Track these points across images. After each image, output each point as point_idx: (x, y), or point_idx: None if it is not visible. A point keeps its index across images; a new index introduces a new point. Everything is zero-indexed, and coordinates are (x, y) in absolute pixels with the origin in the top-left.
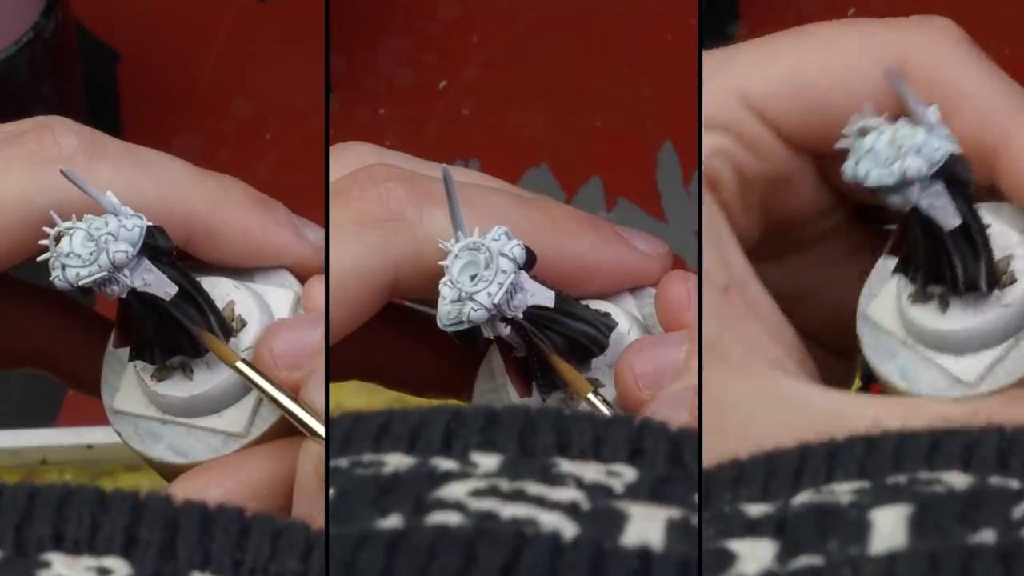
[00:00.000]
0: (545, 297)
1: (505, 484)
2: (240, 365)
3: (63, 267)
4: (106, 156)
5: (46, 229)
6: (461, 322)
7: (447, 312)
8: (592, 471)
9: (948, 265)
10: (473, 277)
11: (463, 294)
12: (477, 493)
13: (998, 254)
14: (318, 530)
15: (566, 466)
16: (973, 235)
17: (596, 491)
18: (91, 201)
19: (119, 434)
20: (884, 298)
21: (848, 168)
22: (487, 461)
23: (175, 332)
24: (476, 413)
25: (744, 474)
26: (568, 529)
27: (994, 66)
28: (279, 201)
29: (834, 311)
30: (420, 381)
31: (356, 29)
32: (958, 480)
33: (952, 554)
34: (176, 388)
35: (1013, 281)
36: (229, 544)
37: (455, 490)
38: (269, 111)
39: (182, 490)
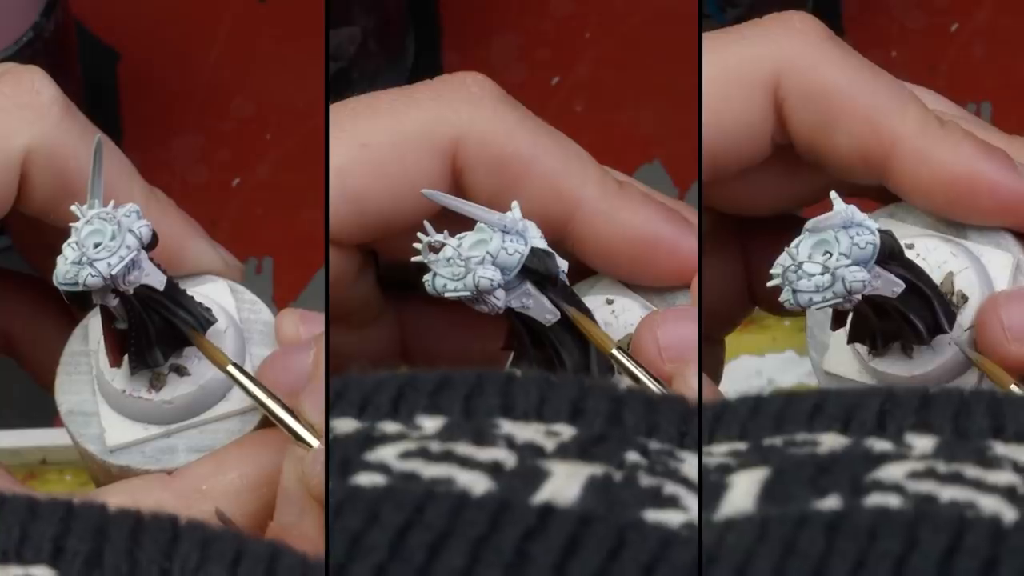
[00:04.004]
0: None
1: (436, 445)
2: (231, 369)
3: (91, 263)
4: (76, 119)
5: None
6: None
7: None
8: (531, 431)
9: (908, 325)
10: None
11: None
12: (406, 455)
13: (937, 276)
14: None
15: (506, 427)
16: (919, 287)
17: (526, 450)
18: (56, 149)
19: (129, 468)
20: (837, 350)
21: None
22: (430, 424)
23: (175, 325)
24: (428, 378)
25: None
26: (480, 486)
27: (865, 61)
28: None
29: None
30: (446, 360)
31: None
32: (834, 442)
33: (782, 522)
34: (181, 387)
35: (965, 298)
36: (157, 553)
37: (385, 453)
38: (269, 111)
39: (183, 484)
